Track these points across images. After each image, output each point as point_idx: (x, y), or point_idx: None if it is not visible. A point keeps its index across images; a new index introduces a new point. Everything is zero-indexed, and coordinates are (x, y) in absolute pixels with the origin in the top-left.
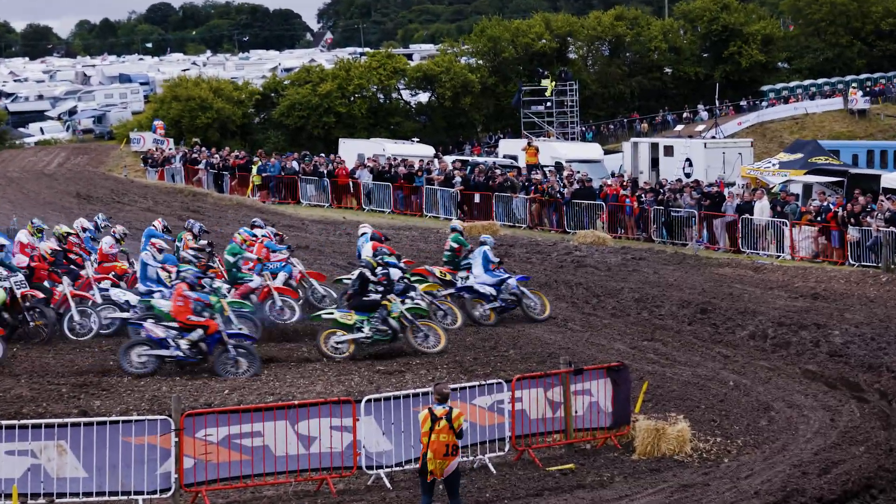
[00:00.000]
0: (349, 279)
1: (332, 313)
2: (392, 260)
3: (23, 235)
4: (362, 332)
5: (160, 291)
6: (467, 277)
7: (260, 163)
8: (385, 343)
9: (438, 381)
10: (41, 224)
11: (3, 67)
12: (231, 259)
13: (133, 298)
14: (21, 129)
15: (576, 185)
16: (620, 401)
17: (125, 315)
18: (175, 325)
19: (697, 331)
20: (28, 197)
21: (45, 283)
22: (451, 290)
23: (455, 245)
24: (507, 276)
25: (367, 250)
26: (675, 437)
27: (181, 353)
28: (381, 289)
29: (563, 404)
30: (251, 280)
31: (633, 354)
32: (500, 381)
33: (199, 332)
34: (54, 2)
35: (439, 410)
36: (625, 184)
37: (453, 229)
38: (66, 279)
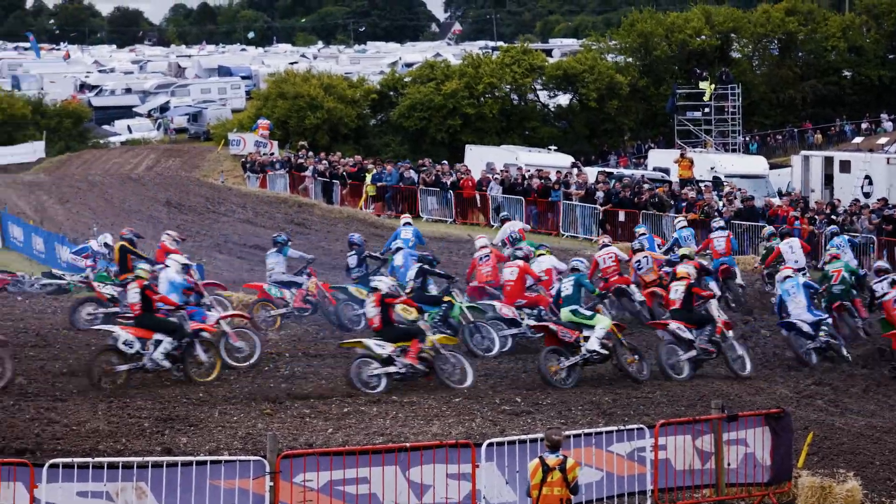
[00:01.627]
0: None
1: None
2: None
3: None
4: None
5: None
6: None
7: (375, 171)
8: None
9: (551, 425)
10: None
11: (87, 56)
12: None
13: None
14: (106, 127)
15: (737, 205)
16: (781, 453)
17: None
18: None
19: (874, 374)
20: (111, 204)
21: None
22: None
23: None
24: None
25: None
26: (844, 497)
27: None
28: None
29: (715, 455)
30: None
31: (796, 400)
32: (641, 426)
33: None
34: None
35: (552, 460)
36: (794, 204)
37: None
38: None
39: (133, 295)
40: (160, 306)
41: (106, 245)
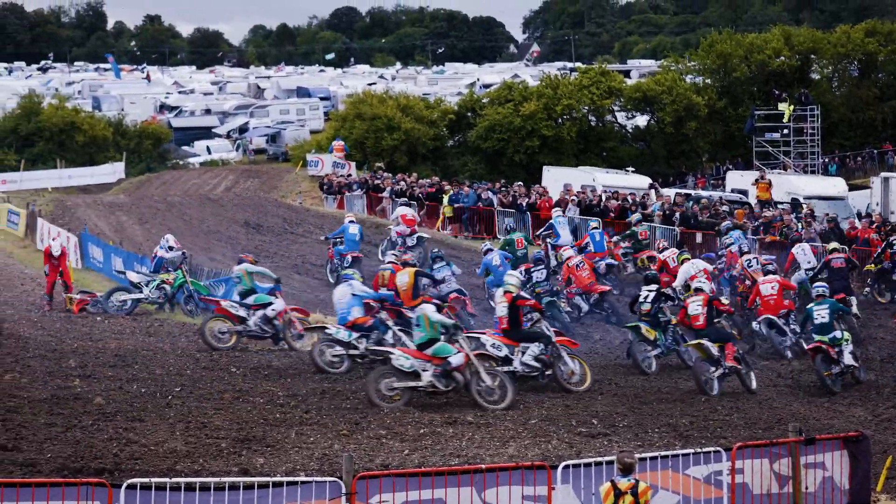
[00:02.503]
0: None
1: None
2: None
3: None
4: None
5: None
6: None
7: (452, 192)
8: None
9: (623, 448)
10: None
11: (167, 77)
12: None
13: None
14: (186, 148)
15: (821, 226)
16: (859, 477)
17: None
18: None
19: None
20: (190, 224)
21: None
22: None
23: None
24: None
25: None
26: None
27: None
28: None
29: (792, 479)
30: None
31: (875, 423)
32: (718, 449)
33: None
34: (226, 4)
35: (623, 484)
36: (875, 226)
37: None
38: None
39: (501, 308)
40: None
41: (171, 248)
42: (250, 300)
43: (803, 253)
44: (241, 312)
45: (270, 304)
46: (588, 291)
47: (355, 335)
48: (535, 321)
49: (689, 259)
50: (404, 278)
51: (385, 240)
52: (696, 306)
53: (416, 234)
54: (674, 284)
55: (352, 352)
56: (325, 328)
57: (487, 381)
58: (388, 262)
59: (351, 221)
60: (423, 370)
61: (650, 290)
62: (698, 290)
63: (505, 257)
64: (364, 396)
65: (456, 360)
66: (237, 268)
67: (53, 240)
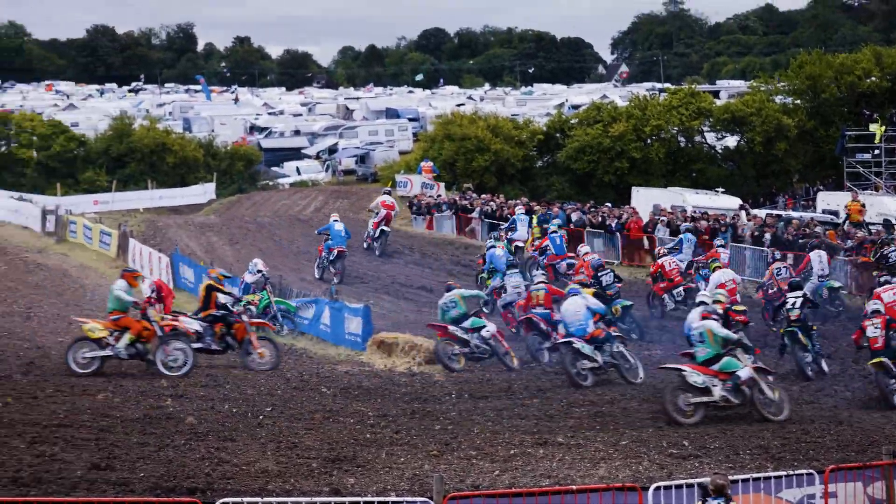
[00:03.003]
0: None
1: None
2: None
3: None
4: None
5: None
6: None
7: (541, 212)
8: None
9: (716, 470)
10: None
11: (257, 99)
12: None
13: None
14: (275, 169)
15: None
16: None
17: None
18: None
19: None
20: (279, 245)
21: None
22: None
23: None
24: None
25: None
26: None
27: None
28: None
29: (886, 502)
30: None
31: None
32: (811, 471)
33: None
34: (315, 26)
35: None
36: None
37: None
38: None
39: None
40: None
41: (259, 271)
42: (467, 324)
43: (819, 260)
44: (464, 335)
45: (484, 326)
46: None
47: (591, 348)
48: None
49: (721, 268)
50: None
51: (528, 262)
52: (874, 329)
53: (381, 228)
54: (705, 290)
55: (591, 364)
56: (571, 343)
57: (769, 393)
58: (539, 283)
59: (335, 220)
60: (713, 385)
61: (797, 297)
62: (876, 313)
63: (507, 255)
64: (455, 417)
65: (744, 374)
66: (451, 294)
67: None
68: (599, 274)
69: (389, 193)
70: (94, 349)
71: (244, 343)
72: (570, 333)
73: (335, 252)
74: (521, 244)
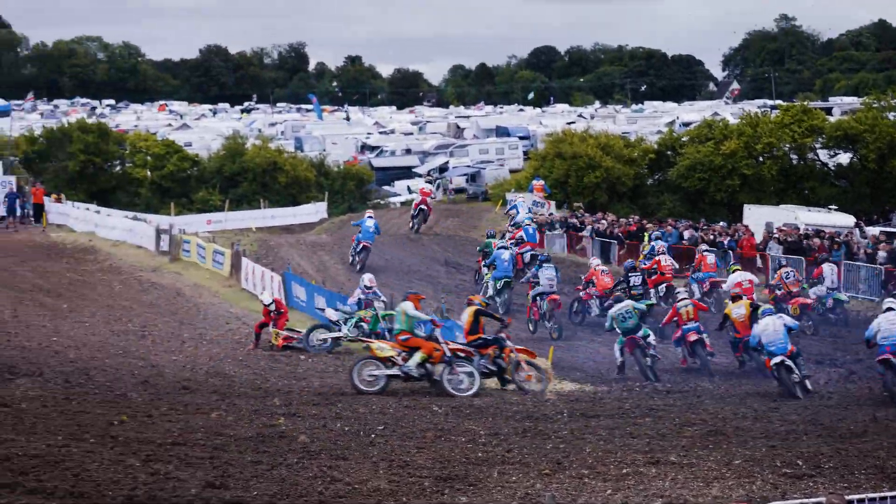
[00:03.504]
0: None
1: None
2: None
3: None
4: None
5: None
6: None
7: (654, 230)
8: None
9: (833, 490)
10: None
11: (368, 118)
12: None
13: None
14: (386, 188)
15: None
16: None
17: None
18: None
19: None
20: (390, 263)
21: None
22: None
23: None
24: None
25: None
26: None
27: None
28: None
29: None
30: None
31: None
32: None
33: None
34: (426, 44)
35: None
36: None
37: None
38: None
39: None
40: None
41: (368, 287)
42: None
43: (831, 272)
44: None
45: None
46: (603, 296)
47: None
48: None
49: (739, 269)
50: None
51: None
52: None
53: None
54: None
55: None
56: (783, 362)
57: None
58: (683, 299)
59: (369, 216)
60: None
61: None
62: None
63: (513, 257)
64: (566, 436)
65: None
66: (622, 306)
67: (263, 291)
68: (630, 275)
69: (430, 182)
70: (380, 368)
71: (512, 364)
72: (772, 352)
73: (361, 245)
74: (596, 259)
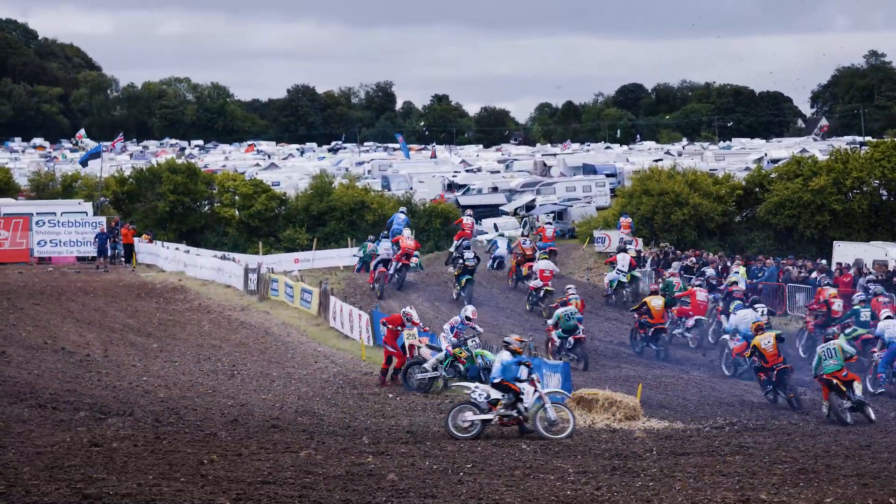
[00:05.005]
0: None
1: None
2: None
3: None
4: None
5: None
6: None
7: (755, 265)
8: None
9: None
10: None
11: (454, 156)
12: None
13: None
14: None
15: None
16: None
17: None
18: None
19: None
20: (478, 301)
21: None
22: None
23: None
24: None
25: None
26: None
27: None
28: None
29: None
30: None
31: None
32: None
33: None
34: (512, 83)
35: None
36: None
37: None
38: None
39: None
40: None
41: (468, 318)
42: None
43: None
44: None
45: None
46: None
47: None
48: None
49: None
50: None
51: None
52: None
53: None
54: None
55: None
56: None
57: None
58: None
59: (401, 211)
60: None
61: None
62: None
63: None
64: (656, 473)
65: None
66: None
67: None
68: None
69: (469, 216)
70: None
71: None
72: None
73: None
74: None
